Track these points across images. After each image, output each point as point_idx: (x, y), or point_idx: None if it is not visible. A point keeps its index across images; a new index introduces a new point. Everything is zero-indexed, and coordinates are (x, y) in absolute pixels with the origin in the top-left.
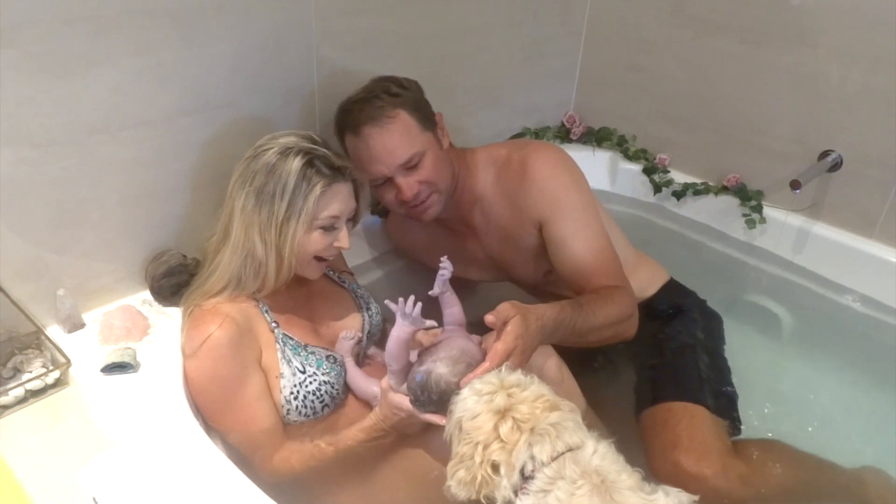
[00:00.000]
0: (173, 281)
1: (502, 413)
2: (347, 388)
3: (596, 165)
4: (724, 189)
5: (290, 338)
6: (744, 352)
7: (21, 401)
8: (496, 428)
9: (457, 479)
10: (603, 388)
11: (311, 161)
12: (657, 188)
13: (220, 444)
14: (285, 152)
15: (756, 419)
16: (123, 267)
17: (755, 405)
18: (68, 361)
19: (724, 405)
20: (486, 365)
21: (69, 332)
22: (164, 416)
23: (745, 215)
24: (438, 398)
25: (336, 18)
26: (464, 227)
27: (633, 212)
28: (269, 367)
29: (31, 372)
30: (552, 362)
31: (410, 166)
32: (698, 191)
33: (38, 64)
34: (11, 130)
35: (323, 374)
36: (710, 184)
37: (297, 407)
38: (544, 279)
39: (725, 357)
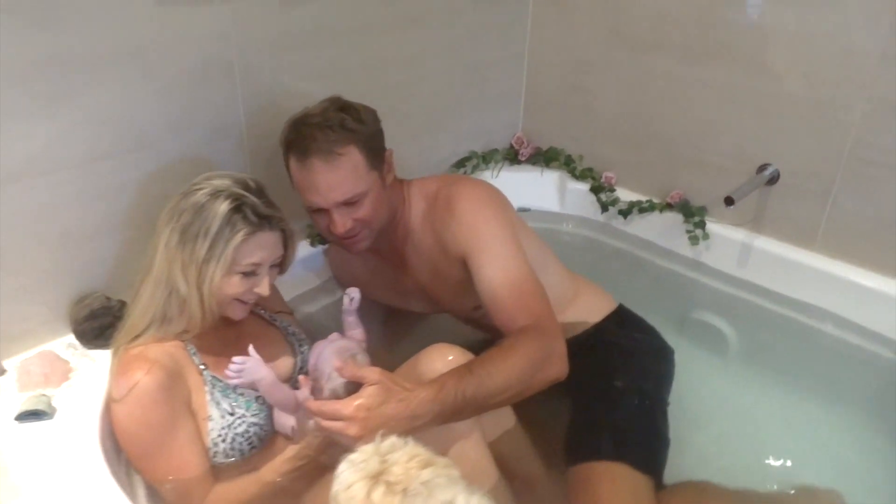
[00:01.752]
0: (96, 324)
1: (375, 478)
2: (273, 428)
3: (545, 186)
4: (669, 206)
5: (220, 380)
6: (688, 373)
7: None
8: (369, 495)
9: None
10: (541, 425)
11: (238, 207)
12: (604, 207)
13: (142, 490)
14: (215, 194)
15: (698, 449)
16: (48, 310)
17: (698, 434)
18: None
19: (651, 459)
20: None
21: None
22: (75, 465)
23: (688, 231)
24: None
25: (259, 54)
26: (398, 259)
27: (583, 232)
28: (196, 410)
29: None
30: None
31: (350, 204)
32: (643, 208)
33: None
34: None
35: (252, 416)
36: (655, 201)
37: (224, 450)
38: (475, 313)
39: (665, 399)
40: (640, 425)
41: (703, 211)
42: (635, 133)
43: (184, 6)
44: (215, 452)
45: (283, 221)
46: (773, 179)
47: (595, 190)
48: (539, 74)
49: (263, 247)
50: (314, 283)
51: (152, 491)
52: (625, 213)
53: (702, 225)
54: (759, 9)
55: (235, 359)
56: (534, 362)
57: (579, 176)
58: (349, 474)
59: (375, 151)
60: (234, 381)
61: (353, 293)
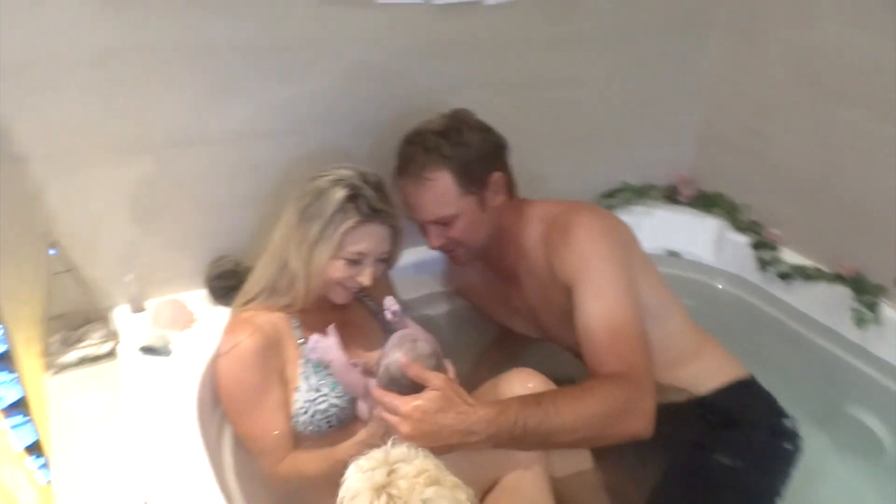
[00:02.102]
0: (224, 284)
1: (379, 490)
2: (354, 413)
3: (702, 232)
4: (839, 278)
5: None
6: (825, 471)
7: (79, 363)
8: None
9: None
10: (624, 478)
11: (353, 196)
12: (763, 266)
13: (228, 441)
14: (336, 182)
15: None
16: (190, 265)
17: None
18: (117, 338)
19: None
20: (376, 395)
21: (134, 312)
22: (172, 403)
23: (854, 310)
24: (406, 380)
25: (410, 60)
26: (511, 276)
27: (734, 290)
28: (288, 379)
29: (90, 340)
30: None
31: (441, 223)
32: (809, 275)
33: (126, 87)
34: (102, 140)
35: (335, 397)
36: (824, 270)
37: (303, 422)
38: (578, 347)
39: (778, 491)
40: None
41: (880, 290)
42: (813, 190)
43: (345, 8)
44: (295, 423)
45: (393, 218)
46: None
47: (757, 246)
48: (715, 113)
49: (370, 237)
50: (437, 288)
51: (238, 443)
52: (785, 277)
53: (874, 306)
54: None
55: (314, 336)
56: (611, 411)
57: (741, 227)
58: (355, 481)
59: (472, 176)
60: (309, 356)
61: (391, 305)
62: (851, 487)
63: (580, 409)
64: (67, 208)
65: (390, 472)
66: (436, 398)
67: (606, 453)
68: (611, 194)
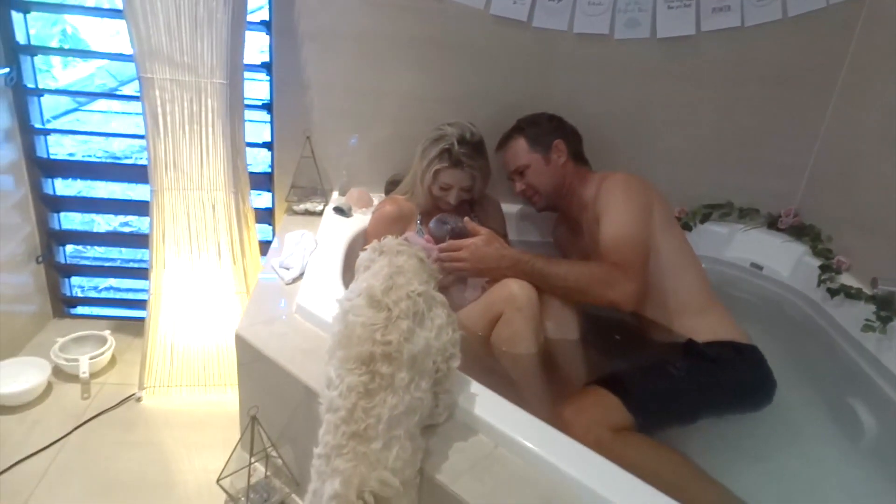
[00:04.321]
0: (392, 188)
1: (377, 250)
2: None
3: (785, 254)
4: (872, 298)
5: (422, 236)
6: (805, 436)
7: (303, 213)
8: (370, 255)
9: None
10: (602, 357)
11: (448, 149)
12: (819, 283)
13: None
14: (441, 137)
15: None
16: (378, 175)
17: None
18: (326, 202)
19: (645, 406)
20: (444, 245)
21: (340, 195)
22: (337, 239)
23: (866, 320)
24: (459, 232)
25: (552, 70)
26: (577, 226)
27: (796, 300)
28: None
29: (312, 202)
30: (520, 315)
31: (519, 172)
32: (850, 294)
33: (367, 55)
34: (349, 84)
35: None
36: (864, 290)
37: None
38: None
39: (713, 409)
40: (661, 390)
41: None
42: (880, 226)
43: (508, 28)
44: None
45: (473, 168)
46: None
47: (822, 268)
48: (824, 158)
49: (452, 177)
50: (545, 238)
51: None
52: (832, 293)
53: (887, 320)
54: None
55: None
56: (595, 277)
57: (817, 253)
58: (368, 250)
59: (539, 140)
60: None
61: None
62: (823, 450)
63: (572, 269)
64: (320, 121)
65: (385, 247)
66: (482, 239)
67: (595, 339)
68: (711, 206)
